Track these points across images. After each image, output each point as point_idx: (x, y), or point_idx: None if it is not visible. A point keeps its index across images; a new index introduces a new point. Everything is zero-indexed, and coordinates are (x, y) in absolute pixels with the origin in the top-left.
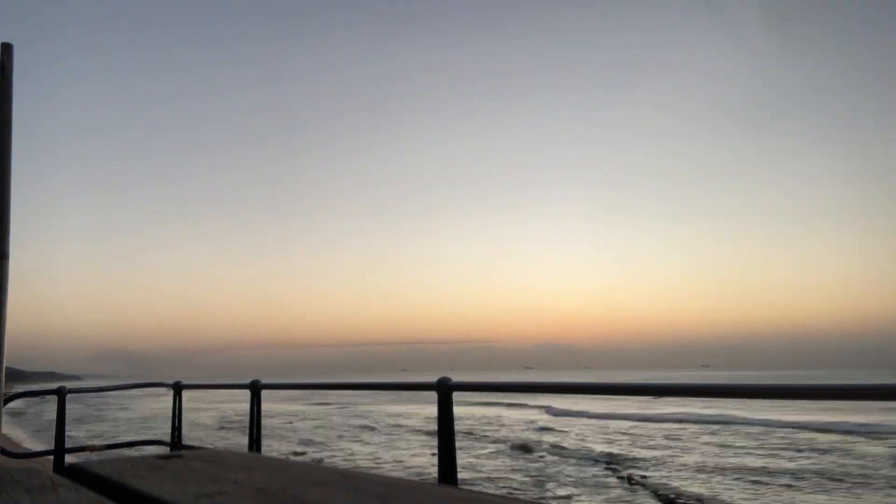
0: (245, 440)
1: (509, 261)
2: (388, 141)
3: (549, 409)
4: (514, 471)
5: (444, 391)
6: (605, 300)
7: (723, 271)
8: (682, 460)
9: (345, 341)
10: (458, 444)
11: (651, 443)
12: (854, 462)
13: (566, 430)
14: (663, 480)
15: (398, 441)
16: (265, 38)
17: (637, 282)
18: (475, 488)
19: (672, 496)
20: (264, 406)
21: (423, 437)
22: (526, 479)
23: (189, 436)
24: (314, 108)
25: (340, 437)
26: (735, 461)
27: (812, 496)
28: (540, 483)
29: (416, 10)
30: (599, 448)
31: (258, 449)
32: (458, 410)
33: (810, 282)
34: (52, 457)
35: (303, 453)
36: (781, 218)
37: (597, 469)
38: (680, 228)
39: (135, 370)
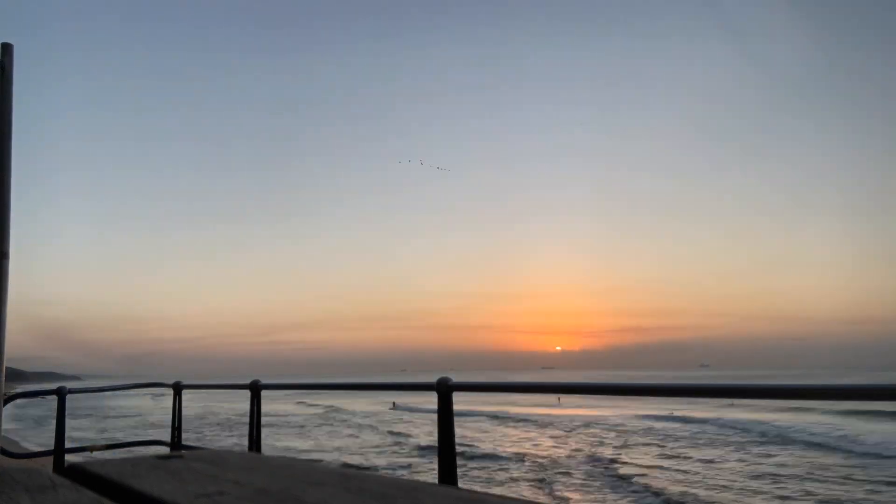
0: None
1: (504, 262)
2: (393, 137)
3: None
4: None
5: (444, 391)
6: (604, 301)
7: (722, 271)
8: None
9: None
10: None
11: None
12: None
13: None
14: None
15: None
16: (270, 32)
17: (634, 282)
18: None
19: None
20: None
21: None
22: None
23: None
24: (314, 103)
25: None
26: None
27: None
28: None
29: (412, 13)
30: None
31: (258, 449)
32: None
33: (810, 281)
34: (52, 457)
35: None
36: (781, 218)
37: None
38: (678, 227)
39: (136, 370)
